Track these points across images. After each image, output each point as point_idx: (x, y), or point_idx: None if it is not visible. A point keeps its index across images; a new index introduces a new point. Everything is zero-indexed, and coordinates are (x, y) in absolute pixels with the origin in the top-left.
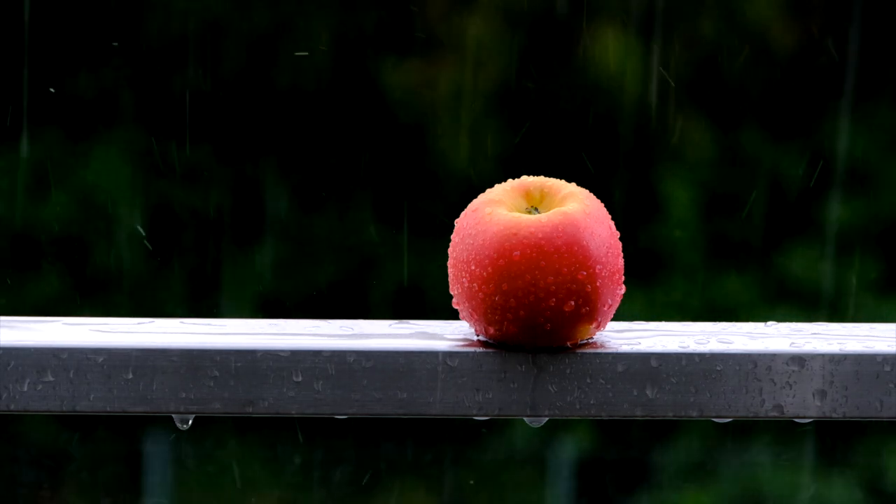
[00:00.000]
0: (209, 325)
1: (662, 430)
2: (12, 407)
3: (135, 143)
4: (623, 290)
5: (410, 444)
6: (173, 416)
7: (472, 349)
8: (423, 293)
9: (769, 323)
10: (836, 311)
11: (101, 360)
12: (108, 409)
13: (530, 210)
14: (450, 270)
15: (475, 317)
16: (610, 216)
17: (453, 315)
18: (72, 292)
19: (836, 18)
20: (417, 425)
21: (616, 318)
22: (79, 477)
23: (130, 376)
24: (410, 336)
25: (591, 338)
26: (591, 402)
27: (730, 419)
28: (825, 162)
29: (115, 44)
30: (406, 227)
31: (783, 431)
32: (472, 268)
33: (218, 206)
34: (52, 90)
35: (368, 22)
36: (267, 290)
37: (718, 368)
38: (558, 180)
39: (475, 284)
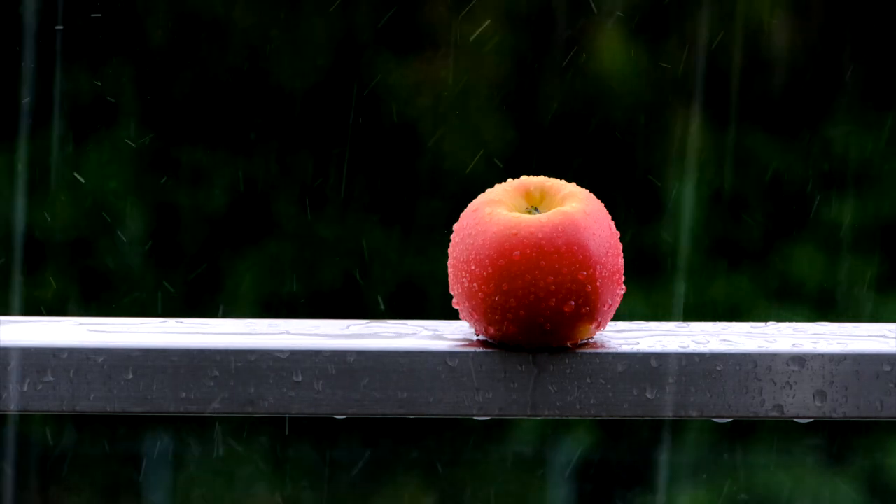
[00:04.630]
0: (209, 325)
1: (662, 430)
2: (12, 407)
3: (135, 142)
4: (623, 290)
5: (410, 444)
6: None
7: (472, 349)
8: (423, 293)
9: (769, 323)
10: (836, 311)
11: (101, 360)
12: (108, 409)
13: (530, 210)
14: (450, 270)
15: (475, 317)
16: (610, 216)
17: (453, 315)
18: (72, 292)
19: (836, 17)
20: (417, 425)
21: (616, 318)
22: (79, 477)
23: (130, 376)
24: (410, 336)
25: (591, 338)
26: (591, 402)
27: (730, 419)
28: (826, 161)
29: (116, 43)
30: (406, 226)
31: (783, 431)
32: (472, 268)
33: (218, 206)
34: (52, 89)
35: (368, 22)
36: (267, 291)
37: (718, 368)
38: (558, 180)
39: (475, 284)
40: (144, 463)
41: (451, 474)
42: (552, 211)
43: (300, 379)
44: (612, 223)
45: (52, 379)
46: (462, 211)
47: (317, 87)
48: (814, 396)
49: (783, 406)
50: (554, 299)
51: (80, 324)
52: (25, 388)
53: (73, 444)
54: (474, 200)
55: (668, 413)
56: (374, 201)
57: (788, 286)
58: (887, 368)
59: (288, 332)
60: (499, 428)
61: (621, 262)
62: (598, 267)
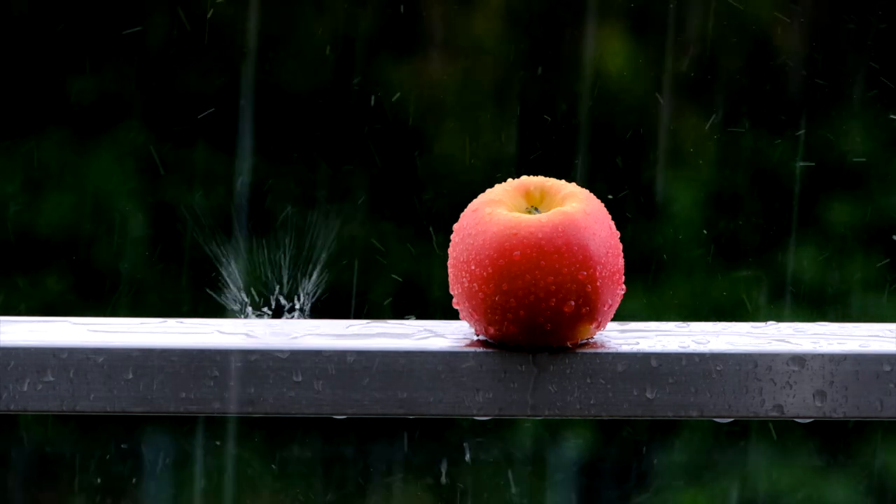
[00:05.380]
0: (209, 325)
1: (662, 430)
2: (12, 407)
3: (136, 142)
4: (623, 290)
5: (410, 444)
6: None
7: (472, 349)
8: (423, 293)
9: (769, 323)
10: (836, 311)
11: (101, 360)
12: (108, 409)
13: (530, 210)
14: (450, 270)
15: (475, 317)
16: (610, 216)
17: (453, 315)
18: (72, 292)
19: (837, 15)
20: (417, 425)
21: (616, 318)
22: (79, 477)
23: (130, 376)
24: (410, 336)
25: (591, 338)
26: (591, 402)
27: (730, 419)
28: (826, 161)
29: (116, 44)
30: (406, 226)
31: (783, 431)
32: (472, 268)
33: (218, 206)
34: (52, 90)
35: (368, 22)
36: (267, 291)
37: (718, 368)
38: (558, 180)
39: (475, 284)
40: (144, 463)
41: (451, 474)
42: (552, 211)
43: (300, 379)
44: (612, 223)
45: (52, 379)
46: (462, 211)
47: (317, 86)
48: (814, 396)
49: (783, 406)
50: (554, 299)
51: (80, 324)
52: (25, 388)
53: (72, 444)
54: (474, 200)
55: (668, 413)
56: (374, 201)
57: (788, 286)
58: (887, 368)
59: (288, 332)
60: (499, 428)
61: (621, 262)
62: (598, 267)
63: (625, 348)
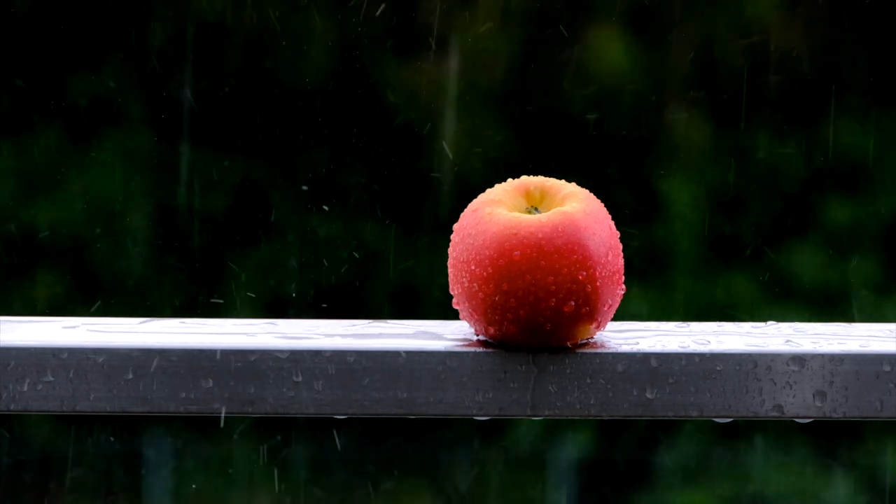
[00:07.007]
0: (209, 325)
1: (662, 430)
2: (12, 407)
3: (136, 143)
4: (623, 290)
5: (410, 444)
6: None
7: (472, 349)
8: (423, 293)
9: (769, 323)
10: (836, 311)
11: (101, 360)
12: (108, 409)
13: (530, 210)
14: (450, 270)
15: (475, 317)
16: (610, 216)
17: (453, 315)
18: (72, 292)
19: (836, 16)
20: (418, 425)
21: (616, 318)
22: (79, 477)
23: (130, 376)
24: (410, 336)
25: (591, 338)
26: (591, 402)
27: (730, 419)
28: (826, 161)
29: (116, 44)
30: (406, 227)
31: (783, 431)
32: (473, 268)
33: (218, 207)
34: (53, 90)
35: (368, 22)
36: (267, 291)
37: (718, 368)
38: (558, 180)
39: (475, 284)
40: (144, 463)
41: (452, 474)
42: (552, 211)
43: (300, 379)
44: (612, 223)
45: (52, 379)
46: (462, 211)
47: (317, 87)
48: (814, 396)
49: (783, 406)
50: (554, 299)
51: (80, 324)
52: (25, 388)
53: (73, 444)
54: (474, 200)
55: (668, 413)
56: (374, 201)
57: (788, 286)
58: (887, 368)
59: (288, 333)
60: (499, 428)
61: (621, 262)
62: (598, 267)
63: (625, 348)
